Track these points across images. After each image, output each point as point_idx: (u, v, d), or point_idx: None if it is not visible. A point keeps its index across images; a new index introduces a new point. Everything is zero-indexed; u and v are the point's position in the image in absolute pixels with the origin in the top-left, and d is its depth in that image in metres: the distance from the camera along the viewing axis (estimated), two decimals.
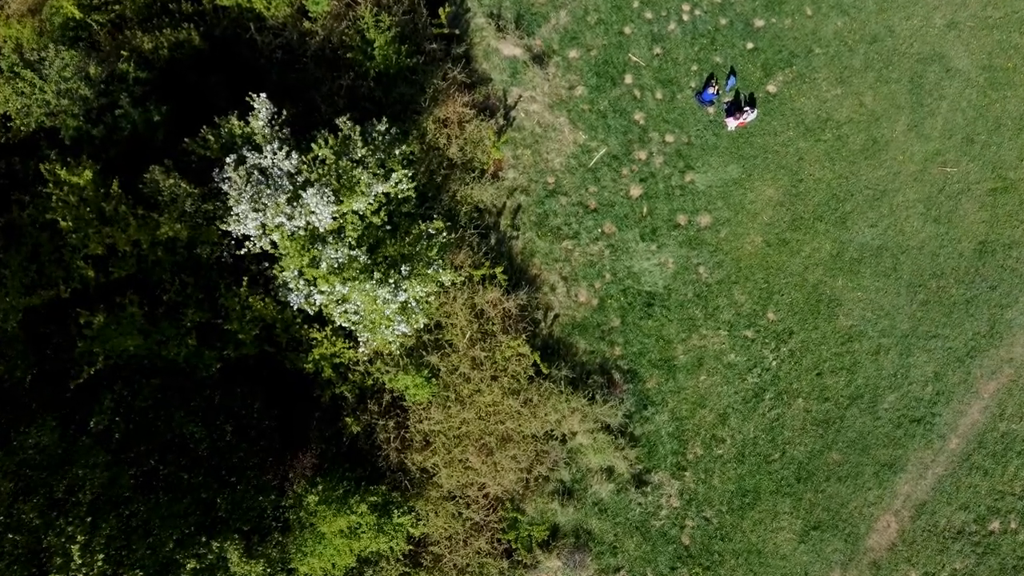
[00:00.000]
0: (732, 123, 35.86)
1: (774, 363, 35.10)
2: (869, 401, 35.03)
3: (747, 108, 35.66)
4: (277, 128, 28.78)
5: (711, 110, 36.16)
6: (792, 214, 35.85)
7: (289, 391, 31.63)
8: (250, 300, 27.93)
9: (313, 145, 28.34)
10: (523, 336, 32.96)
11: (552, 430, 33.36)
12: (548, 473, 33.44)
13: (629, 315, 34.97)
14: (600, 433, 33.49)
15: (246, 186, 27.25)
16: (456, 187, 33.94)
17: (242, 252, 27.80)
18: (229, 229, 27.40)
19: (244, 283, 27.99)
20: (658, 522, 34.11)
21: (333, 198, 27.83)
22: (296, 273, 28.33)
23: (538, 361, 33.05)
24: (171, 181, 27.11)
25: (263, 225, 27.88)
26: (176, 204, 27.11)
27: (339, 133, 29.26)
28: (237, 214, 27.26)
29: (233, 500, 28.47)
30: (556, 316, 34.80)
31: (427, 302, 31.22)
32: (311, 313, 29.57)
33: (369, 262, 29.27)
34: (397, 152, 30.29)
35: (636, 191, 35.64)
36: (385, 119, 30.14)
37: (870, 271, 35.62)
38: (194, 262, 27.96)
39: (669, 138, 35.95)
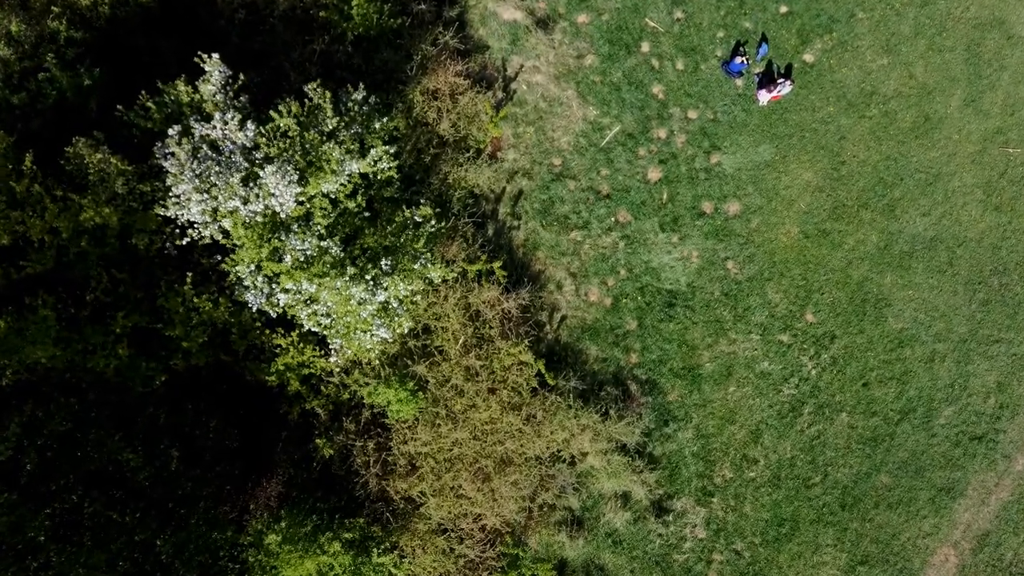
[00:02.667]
0: (764, 97, 30.66)
1: (814, 372, 29.91)
2: (923, 416, 29.85)
3: (781, 80, 30.46)
4: (232, 96, 23.55)
5: (740, 83, 30.97)
6: (833, 201, 30.63)
7: (251, 407, 26.41)
8: (196, 300, 22.67)
9: (273, 113, 23.08)
10: (525, 342, 27.78)
11: (559, 451, 28.17)
12: (554, 501, 28.24)
13: (647, 317, 29.78)
14: (614, 454, 28.31)
15: (191, 163, 22.03)
16: (448, 169, 28.71)
17: (184, 242, 22.52)
18: (168, 214, 22.14)
19: (188, 280, 22.72)
20: (681, 556, 28.93)
21: (297, 177, 22.60)
22: (253, 268, 23.10)
23: (543, 371, 27.88)
24: (99, 156, 21.86)
25: (214, 210, 22.65)
26: (105, 185, 21.86)
27: (306, 101, 24.06)
28: (177, 196, 22.00)
29: (178, 541, 23.26)
30: (563, 318, 29.62)
31: (412, 302, 26.00)
32: (273, 315, 24.38)
33: (343, 255, 24.08)
34: (377, 126, 25.06)
35: (655, 174, 30.42)
36: (363, 86, 24.93)
37: (923, 266, 30.43)
38: (129, 255, 22.68)
39: (692, 114, 30.74)
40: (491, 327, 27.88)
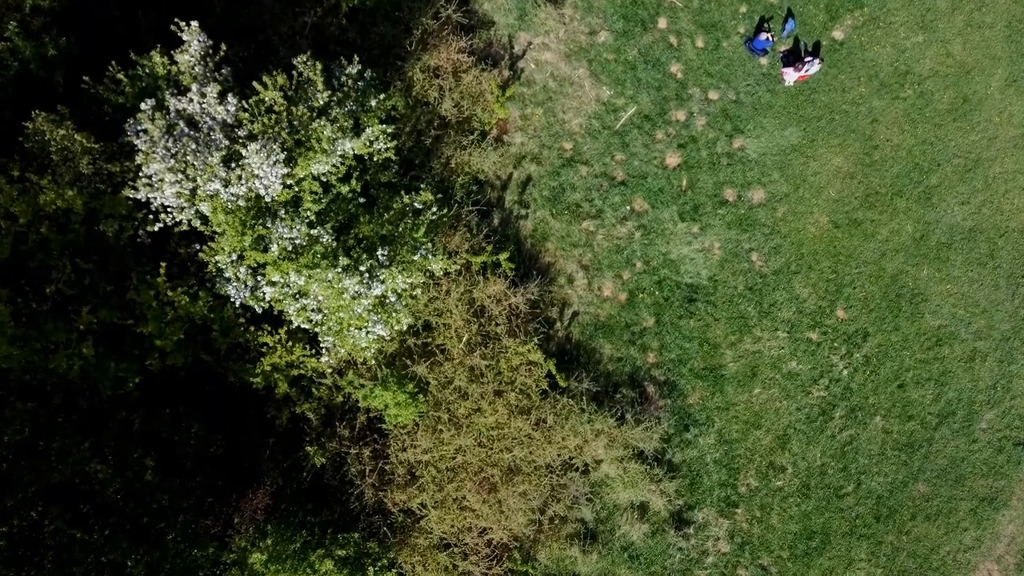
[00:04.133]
0: (790, 76, 28.20)
1: (845, 372, 27.44)
2: (963, 420, 27.40)
3: (808, 58, 27.98)
4: (212, 68, 21.07)
5: (764, 61, 28.50)
6: (865, 188, 28.15)
7: (236, 412, 23.94)
8: (170, 294, 20.17)
9: (257, 85, 20.59)
10: (534, 340, 25.31)
11: (571, 459, 25.68)
12: (566, 512, 25.75)
13: (665, 313, 27.30)
14: (631, 461, 25.82)
15: (165, 140, 19.55)
16: (450, 152, 26.23)
17: (156, 229, 20.00)
18: (139, 197, 19.63)
19: (162, 271, 20.20)
20: (703, 572, 26.45)
21: (284, 157, 20.12)
22: (235, 258, 20.63)
23: (553, 371, 25.42)
24: (61, 132, 19.39)
25: (192, 193, 20.17)
26: (69, 164, 19.39)
27: (294, 75, 21.59)
28: (148, 176, 19.53)
29: (153, 560, 20.80)
30: (575, 314, 27.14)
31: (412, 297, 23.53)
32: (259, 311, 21.91)
33: (335, 244, 21.61)
34: (373, 103, 22.56)
35: (673, 160, 27.95)
36: (357, 59, 22.47)
37: (962, 258, 27.97)
38: (96, 243, 20.17)
39: (713, 95, 28.26)
40: (497, 324, 25.42)
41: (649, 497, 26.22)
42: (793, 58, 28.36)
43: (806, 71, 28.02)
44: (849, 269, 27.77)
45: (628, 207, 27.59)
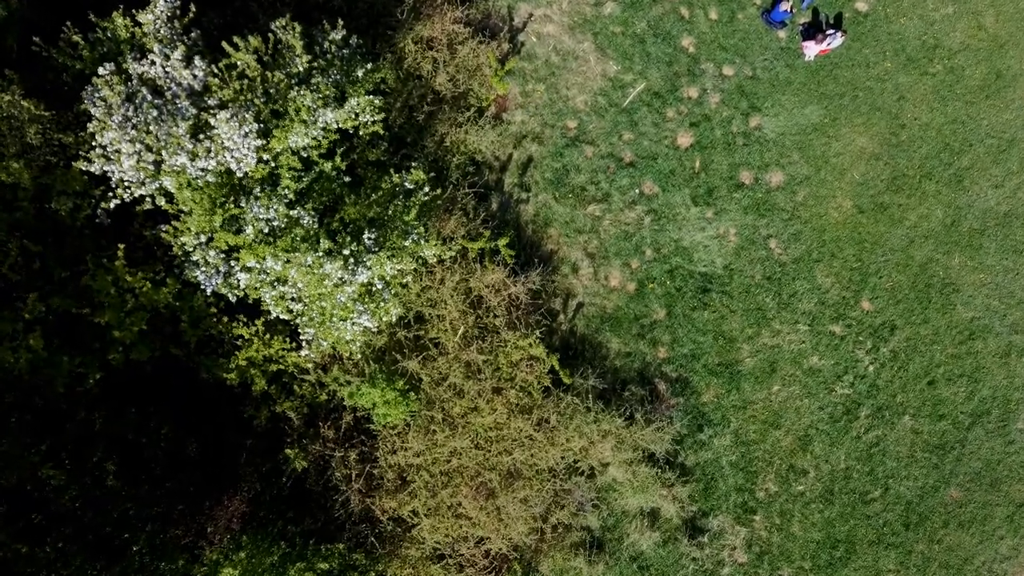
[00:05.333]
0: (811, 50, 25.99)
1: (871, 368, 25.22)
2: (998, 419, 25.19)
3: (830, 31, 25.78)
4: (179, 31, 18.87)
5: (783, 34, 26.30)
6: (892, 170, 25.93)
7: (210, 411, 21.72)
8: (129, 279, 17.95)
9: (227, 47, 18.36)
10: (536, 333, 23.09)
11: (576, 462, 23.47)
12: (571, 520, 23.52)
13: (677, 304, 25.08)
14: (641, 464, 23.59)
15: (124, 108, 17.33)
16: (444, 130, 24.01)
17: (112, 206, 17.76)
18: (92, 169, 17.41)
19: (120, 254, 17.95)
20: None
21: (257, 128, 17.90)
22: (203, 240, 18.41)
23: (557, 367, 23.21)
24: (7, 98, 17.18)
25: (156, 167, 17.95)
26: (15, 134, 17.18)
27: (271, 38, 19.38)
28: (103, 147, 17.32)
29: (113, 575, 18.61)
30: (580, 306, 24.94)
31: (402, 285, 21.33)
32: (233, 300, 19.70)
33: (317, 227, 19.41)
34: (360, 73, 20.38)
35: (685, 140, 25.73)
36: (342, 24, 20.26)
37: (995, 246, 25.76)
38: (48, 223, 17.96)
39: (728, 71, 26.04)
40: (496, 316, 23.21)
41: (660, 503, 24.00)
42: (814, 31, 26.15)
43: (828, 45, 25.82)
44: (875, 257, 25.55)
45: (637, 190, 25.37)
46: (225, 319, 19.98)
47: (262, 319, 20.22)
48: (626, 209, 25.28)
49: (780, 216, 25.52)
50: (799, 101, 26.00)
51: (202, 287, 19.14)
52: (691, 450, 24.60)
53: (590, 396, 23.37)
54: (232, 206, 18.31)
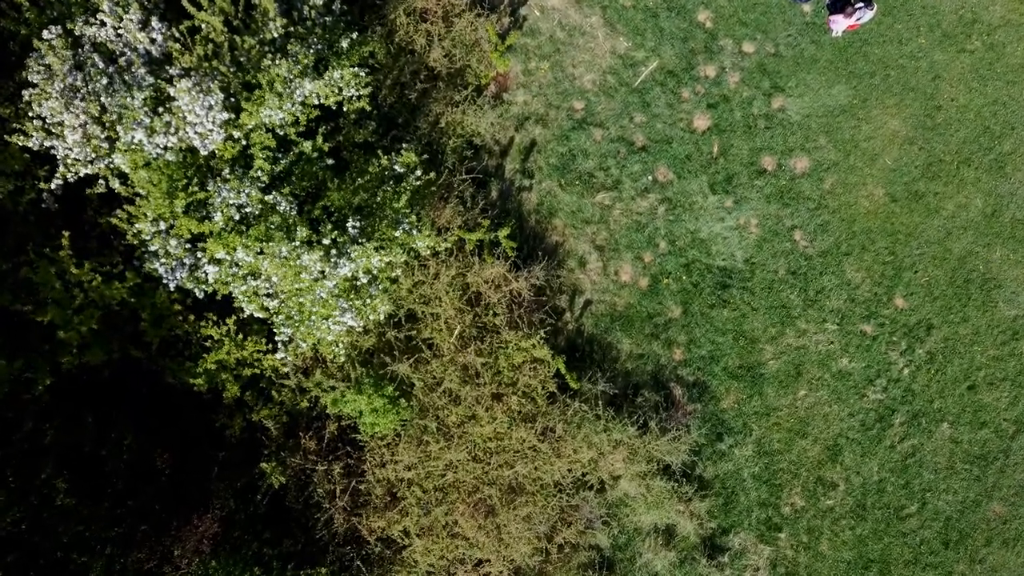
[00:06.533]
0: (839, 25, 23.65)
1: (906, 371, 22.90)
2: None
3: (859, 4, 23.40)
4: None
5: (808, 7, 23.97)
6: (927, 156, 23.61)
7: (179, 420, 19.41)
8: (75, 272, 15.60)
9: (188, 5, 16.00)
10: (540, 333, 20.76)
11: (584, 475, 21.14)
12: (578, 539, 21.17)
13: (695, 302, 22.76)
14: (655, 477, 21.25)
15: (72, 76, 15.02)
16: (439, 109, 21.66)
17: (54, 187, 15.43)
18: (31, 145, 15.07)
19: (65, 242, 15.60)
20: None
21: (223, 98, 15.58)
22: (161, 228, 16.08)
23: (563, 370, 20.90)
24: None
25: (110, 143, 15.64)
26: None
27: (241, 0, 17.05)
28: (42, 119, 15.01)
29: None
30: (588, 303, 22.61)
31: (391, 280, 19.00)
32: (200, 296, 17.36)
33: (295, 215, 17.08)
34: (345, 44, 18.08)
35: (702, 122, 23.40)
36: None
37: None
38: None
39: (748, 47, 23.73)
40: (496, 314, 20.88)
41: (676, 519, 21.70)
42: (842, 4, 23.79)
43: (857, 19, 23.48)
44: (909, 250, 23.23)
45: (650, 177, 23.05)
46: (192, 317, 17.64)
47: (234, 318, 17.87)
48: (638, 197, 22.96)
49: (806, 205, 23.19)
50: (826, 80, 23.67)
51: (165, 281, 16.80)
52: (710, 461, 22.28)
53: (599, 402, 21.06)
54: (197, 189, 15.96)
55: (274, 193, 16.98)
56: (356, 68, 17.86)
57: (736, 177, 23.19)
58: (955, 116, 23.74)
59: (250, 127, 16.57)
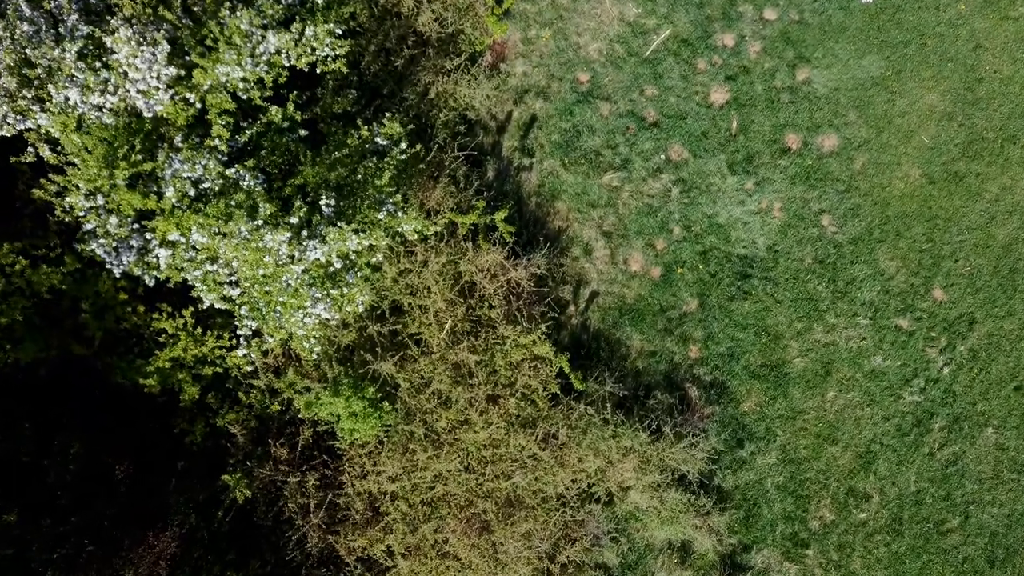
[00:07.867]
0: None
1: (946, 371, 20.53)
2: None
3: None
4: None
5: None
6: (968, 133, 21.23)
7: (133, 425, 17.05)
8: None
9: None
10: (541, 328, 18.37)
11: (590, 486, 18.76)
12: (583, 557, 18.78)
13: (712, 293, 20.40)
14: (669, 489, 18.87)
15: None
16: (429, 79, 19.26)
17: None
18: None
19: None
20: None
21: (169, 50, 13.21)
22: (99, 203, 13.68)
23: (566, 369, 18.52)
24: None
25: (39, 103, 13.27)
26: None
27: None
28: None
29: None
30: (594, 295, 20.26)
31: (371, 266, 16.61)
32: (150, 283, 14.98)
33: (259, 188, 14.70)
34: (321, 1, 15.76)
35: (720, 96, 21.02)
36: None
37: None
38: None
39: (770, 14, 21.36)
40: (492, 307, 18.50)
41: (693, 535, 19.36)
42: None
43: None
44: (949, 237, 20.86)
45: (662, 156, 20.68)
46: (142, 309, 15.26)
47: (191, 309, 15.48)
48: (649, 178, 20.58)
49: (834, 187, 20.82)
50: (856, 50, 21.29)
51: (108, 267, 14.42)
52: (729, 470, 19.92)
53: (607, 405, 18.68)
54: (141, 159, 13.56)
55: (236, 167, 14.60)
56: (332, 25, 15.48)
57: (757, 156, 20.80)
58: (998, 89, 21.33)
59: (206, 88, 14.17)
